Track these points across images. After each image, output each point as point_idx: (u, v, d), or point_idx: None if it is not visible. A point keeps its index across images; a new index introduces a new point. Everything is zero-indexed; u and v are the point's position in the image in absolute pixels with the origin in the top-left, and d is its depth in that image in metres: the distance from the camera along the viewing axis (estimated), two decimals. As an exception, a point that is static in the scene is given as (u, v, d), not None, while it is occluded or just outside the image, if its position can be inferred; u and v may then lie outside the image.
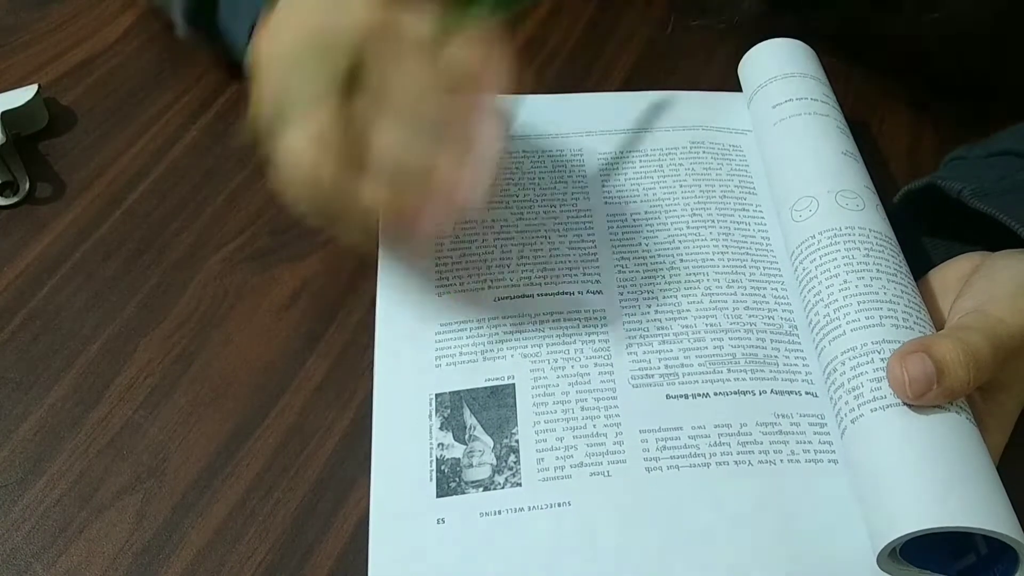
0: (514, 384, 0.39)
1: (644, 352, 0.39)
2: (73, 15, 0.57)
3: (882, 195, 0.42)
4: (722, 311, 0.41)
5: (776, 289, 0.42)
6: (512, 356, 0.39)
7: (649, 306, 0.41)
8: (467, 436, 0.37)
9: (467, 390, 0.39)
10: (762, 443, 0.36)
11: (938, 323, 0.37)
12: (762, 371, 0.39)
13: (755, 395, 0.38)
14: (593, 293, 0.42)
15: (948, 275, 0.39)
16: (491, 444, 0.37)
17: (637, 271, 0.43)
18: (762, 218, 0.45)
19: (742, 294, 0.41)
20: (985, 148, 0.42)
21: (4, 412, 0.40)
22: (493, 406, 0.38)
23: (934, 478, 0.31)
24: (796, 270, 0.40)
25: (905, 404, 0.33)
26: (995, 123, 0.44)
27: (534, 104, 0.52)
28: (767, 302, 0.41)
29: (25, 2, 0.58)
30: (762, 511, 0.35)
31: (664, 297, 0.41)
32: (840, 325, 0.36)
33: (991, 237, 0.38)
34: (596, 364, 0.39)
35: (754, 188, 0.46)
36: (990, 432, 0.34)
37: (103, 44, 0.56)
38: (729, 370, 0.39)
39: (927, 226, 0.43)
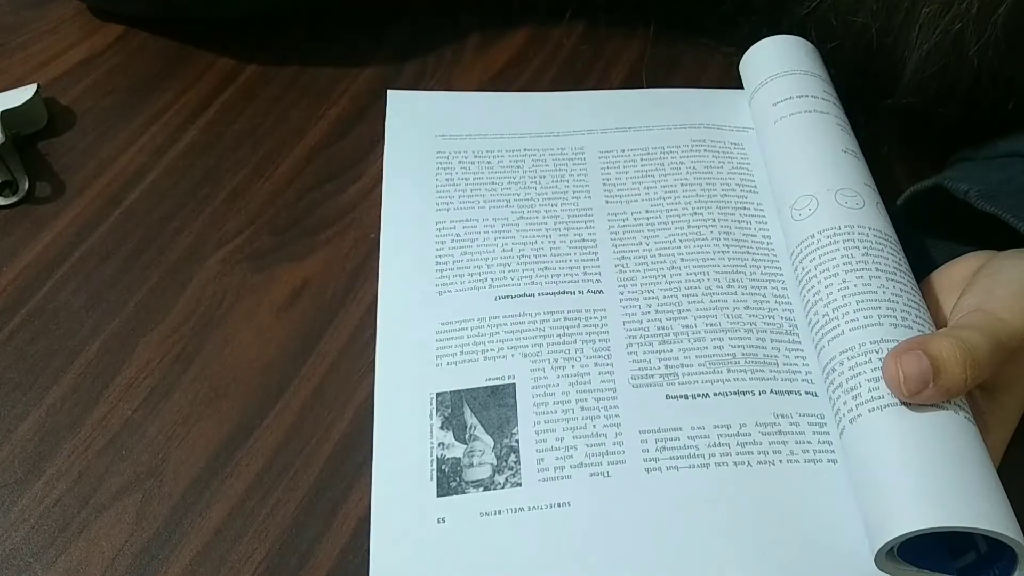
0: (514, 384, 0.38)
1: (644, 352, 0.39)
2: (73, 15, 0.57)
3: (883, 192, 0.42)
4: (722, 311, 0.41)
5: (777, 288, 0.42)
6: (512, 356, 0.39)
7: (649, 306, 0.41)
8: (467, 436, 0.37)
9: (467, 389, 0.39)
10: (761, 443, 0.36)
11: (940, 322, 0.37)
12: (762, 371, 0.38)
13: (755, 395, 0.38)
14: (594, 292, 0.42)
15: (953, 274, 0.39)
16: (491, 444, 0.37)
17: (638, 270, 0.43)
18: (763, 217, 0.45)
19: (742, 294, 0.41)
20: (993, 149, 0.42)
21: (3, 412, 0.40)
22: (493, 406, 0.38)
23: (932, 478, 0.31)
24: (796, 270, 0.40)
25: (903, 404, 0.33)
26: (999, 121, 0.43)
27: (534, 103, 0.52)
28: (767, 302, 0.41)
29: (25, 2, 0.58)
30: (761, 511, 0.35)
31: (664, 297, 0.41)
32: (839, 325, 0.36)
33: (996, 238, 0.38)
34: (596, 364, 0.39)
35: (755, 186, 0.46)
36: (991, 431, 0.34)
37: (103, 44, 0.56)
38: (729, 370, 0.38)
39: (931, 226, 0.43)
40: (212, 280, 0.44)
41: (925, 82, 0.43)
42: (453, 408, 0.38)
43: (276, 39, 0.57)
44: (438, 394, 0.38)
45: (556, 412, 0.38)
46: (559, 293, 0.42)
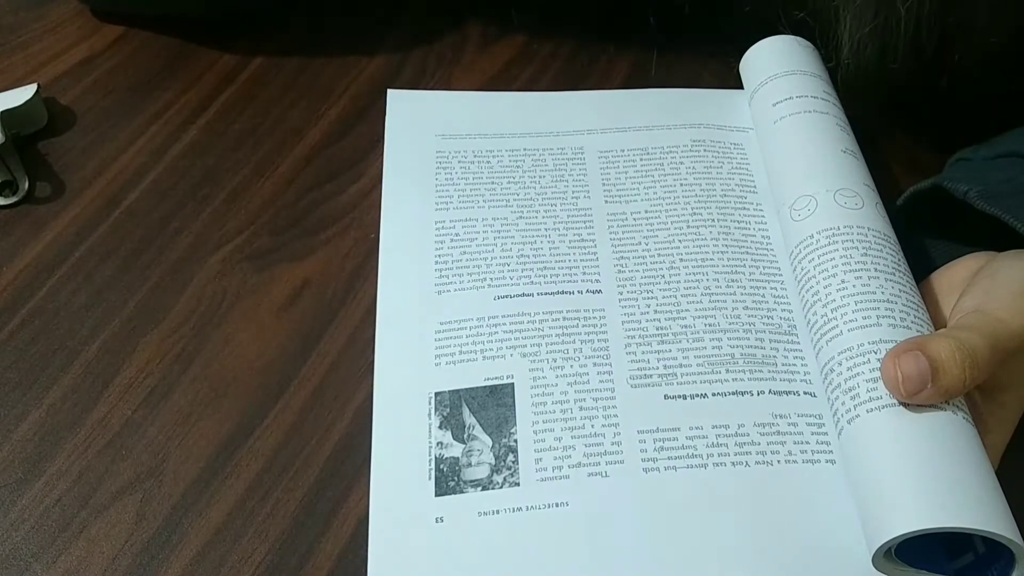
0: (513, 383, 0.39)
1: (643, 352, 0.39)
2: (73, 14, 0.57)
3: (883, 192, 0.42)
4: (721, 311, 0.41)
5: (775, 289, 0.42)
6: (511, 355, 0.39)
7: (648, 306, 0.41)
8: (466, 435, 0.37)
9: (466, 389, 0.39)
10: (759, 444, 0.36)
11: (940, 323, 0.37)
12: (760, 371, 0.38)
13: (753, 395, 0.38)
14: (592, 292, 0.42)
15: (952, 275, 0.39)
16: (489, 443, 0.37)
17: (637, 271, 0.43)
18: (762, 217, 0.45)
19: (741, 294, 0.41)
20: (991, 149, 0.42)
21: (3, 412, 0.40)
22: (492, 405, 0.38)
23: (929, 478, 0.31)
24: (795, 270, 0.40)
25: (901, 404, 0.33)
26: (998, 120, 0.43)
27: (534, 102, 0.52)
28: (766, 302, 0.41)
29: (25, 2, 0.58)
30: (759, 512, 0.35)
31: (663, 297, 0.41)
32: (837, 325, 0.36)
33: (995, 238, 0.38)
34: (595, 364, 0.39)
35: (755, 187, 0.46)
36: (991, 432, 0.34)
37: (103, 43, 0.56)
38: (727, 370, 0.38)
39: (931, 227, 0.43)
40: (212, 280, 0.45)
41: (864, 40, 0.43)
42: (452, 407, 0.38)
43: (276, 39, 0.57)
44: (437, 393, 0.38)
45: (554, 412, 0.38)
46: (558, 293, 0.42)
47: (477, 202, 0.46)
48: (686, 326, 0.40)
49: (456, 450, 0.37)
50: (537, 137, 0.49)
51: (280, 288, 0.44)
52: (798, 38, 0.49)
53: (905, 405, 0.33)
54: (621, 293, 0.42)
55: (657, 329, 0.40)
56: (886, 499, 0.31)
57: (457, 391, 0.38)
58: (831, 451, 0.36)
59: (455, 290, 0.42)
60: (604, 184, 0.47)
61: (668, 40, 0.56)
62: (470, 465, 0.36)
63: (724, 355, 0.39)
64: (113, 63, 0.55)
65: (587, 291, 0.42)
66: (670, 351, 0.39)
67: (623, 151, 0.49)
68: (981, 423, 0.34)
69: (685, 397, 0.38)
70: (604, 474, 0.36)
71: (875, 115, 0.50)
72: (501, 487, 0.36)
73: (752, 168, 0.47)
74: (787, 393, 0.38)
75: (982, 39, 0.42)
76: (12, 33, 0.56)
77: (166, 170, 0.49)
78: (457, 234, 0.44)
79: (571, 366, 0.39)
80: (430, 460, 0.37)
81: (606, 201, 0.46)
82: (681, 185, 0.46)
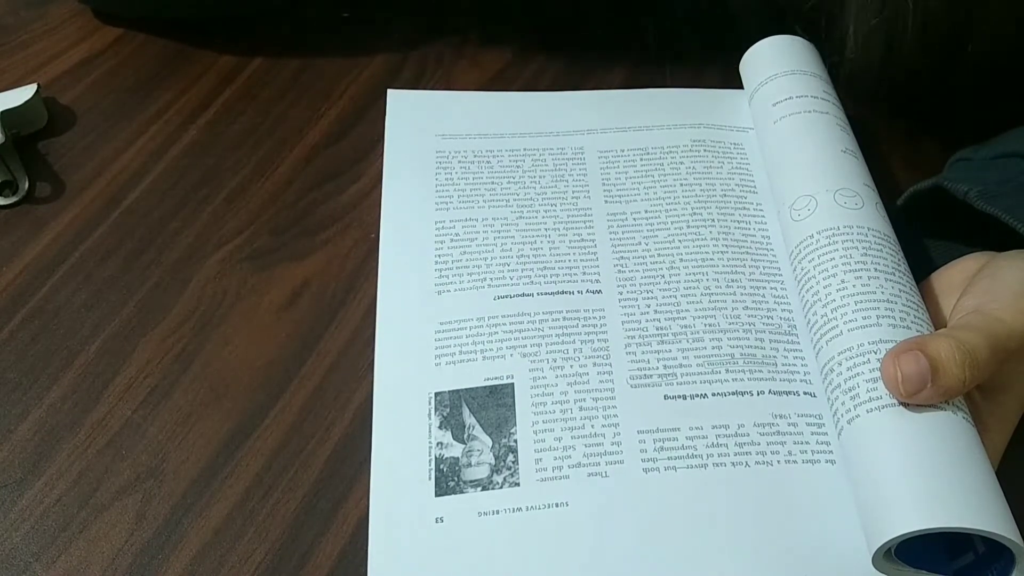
0: (513, 384, 0.39)
1: (643, 352, 0.39)
2: (72, 14, 0.58)
3: (883, 192, 0.42)
4: (721, 311, 0.41)
5: (776, 289, 0.42)
6: (511, 355, 0.39)
7: (648, 306, 0.41)
8: (466, 435, 0.37)
9: (466, 389, 0.39)
10: (759, 444, 0.36)
11: (940, 323, 0.37)
12: (760, 371, 0.38)
13: (753, 396, 0.38)
14: (592, 292, 0.42)
15: (952, 275, 0.39)
16: (489, 443, 0.37)
17: (637, 271, 0.43)
18: (762, 217, 0.45)
19: (741, 294, 0.41)
20: (991, 149, 0.42)
21: (3, 412, 0.40)
22: (492, 405, 0.38)
23: (929, 479, 0.31)
24: (795, 270, 0.40)
25: (901, 404, 0.33)
26: (997, 119, 0.43)
27: (534, 103, 0.52)
28: (766, 302, 0.41)
29: (25, 2, 0.58)
30: (759, 512, 0.35)
31: (663, 297, 0.41)
32: (837, 325, 0.36)
33: (995, 238, 0.38)
34: (595, 364, 0.39)
35: (755, 187, 0.46)
36: (990, 432, 0.34)
37: (103, 43, 0.56)
38: (727, 370, 0.38)
39: (931, 227, 0.43)
40: (212, 280, 0.45)
41: (870, 34, 0.43)
42: (452, 408, 0.38)
43: (276, 39, 0.57)
44: (437, 393, 0.38)
45: (554, 412, 0.38)
46: (558, 293, 0.42)
47: (477, 202, 0.46)
48: (686, 326, 0.40)
49: (456, 450, 0.37)
50: (537, 137, 0.49)
51: (280, 288, 0.44)
52: (798, 38, 0.49)
53: (905, 405, 0.33)
54: (621, 293, 0.42)
55: (657, 329, 0.40)
56: (886, 499, 0.31)
57: (457, 391, 0.38)
58: (831, 451, 0.36)
59: (455, 290, 0.42)
60: (604, 184, 0.47)
61: (668, 40, 0.56)
62: (470, 465, 0.36)
63: (724, 355, 0.39)
64: (113, 63, 0.55)
65: (587, 291, 0.42)
66: (670, 351, 0.39)
67: (623, 151, 0.49)
68: (981, 423, 0.34)
69: (685, 397, 0.38)
70: (604, 474, 0.36)
71: (876, 113, 0.50)
72: (501, 487, 0.36)
73: (752, 168, 0.47)
74: (787, 393, 0.38)
75: (994, 29, 0.42)
76: (12, 33, 0.56)
77: (166, 170, 0.49)
78: (457, 234, 0.44)
79: (571, 366, 0.39)
80: (430, 460, 0.37)
81: (606, 201, 0.46)
82: (681, 185, 0.46)
